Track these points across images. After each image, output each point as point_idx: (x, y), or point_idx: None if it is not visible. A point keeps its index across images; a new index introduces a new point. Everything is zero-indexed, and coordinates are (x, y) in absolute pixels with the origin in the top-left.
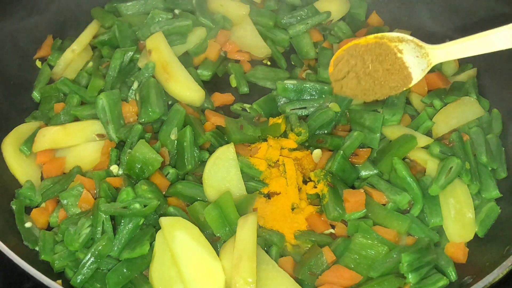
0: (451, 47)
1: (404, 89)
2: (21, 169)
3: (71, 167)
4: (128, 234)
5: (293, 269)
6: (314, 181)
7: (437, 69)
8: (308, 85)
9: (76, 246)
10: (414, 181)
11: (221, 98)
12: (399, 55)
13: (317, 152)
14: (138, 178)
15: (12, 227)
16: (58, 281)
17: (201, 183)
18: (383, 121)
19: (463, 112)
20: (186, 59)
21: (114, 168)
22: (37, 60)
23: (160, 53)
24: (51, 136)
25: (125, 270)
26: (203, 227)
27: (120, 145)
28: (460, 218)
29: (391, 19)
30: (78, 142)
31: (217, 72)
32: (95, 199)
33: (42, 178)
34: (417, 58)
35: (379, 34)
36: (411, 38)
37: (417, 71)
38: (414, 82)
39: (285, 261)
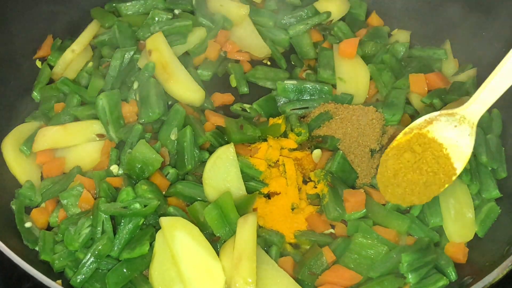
0: (480, 96)
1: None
2: (21, 169)
3: (71, 167)
4: (128, 234)
5: (293, 269)
6: (314, 181)
7: (437, 69)
8: (308, 85)
9: (76, 246)
10: None
11: (221, 98)
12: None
13: (317, 152)
14: (138, 178)
15: (12, 227)
16: (58, 281)
17: (201, 183)
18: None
19: None
20: (186, 59)
21: (114, 168)
22: (37, 60)
23: (160, 53)
24: (51, 136)
25: (125, 270)
26: (203, 227)
27: (120, 145)
28: (460, 218)
29: (391, 19)
30: (78, 142)
31: (217, 72)
32: (95, 199)
33: (42, 178)
34: (456, 129)
35: (407, 129)
36: (437, 113)
37: (464, 140)
38: (469, 151)
39: (285, 261)
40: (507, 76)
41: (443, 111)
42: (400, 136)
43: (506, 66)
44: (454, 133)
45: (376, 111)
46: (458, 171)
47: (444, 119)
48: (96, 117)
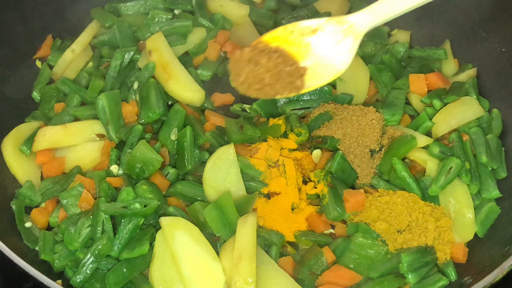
0: (376, 6)
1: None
2: (21, 169)
3: (71, 167)
4: (128, 234)
5: (293, 269)
6: (314, 182)
7: (437, 69)
8: None
9: (76, 245)
10: (414, 181)
11: (221, 98)
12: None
13: (316, 152)
14: (138, 178)
15: (12, 227)
16: (58, 281)
17: (201, 183)
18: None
19: (463, 112)
20: (186, 60)
21: (114, 168)
22: (37, 60)
23: (160, 53)
24: (51, 136)
25: (124, 270)
26: (203, 227)
27: (120, 145)
28: (460, 218)
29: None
30: (78, 142)
31: (217, 72)
32: (95, 199)
33: (42, 178)
34: (336, 46)
35: (290, 26)
36: (325, 19)
37: (341, 57)
38: (342, 68)
39: (285, 261)
40: None
41: (332, 17)
42: (279, 29)
43: None
44: (334, 50)
45: (376, 111)
46: (319, 84)
47: (330, 29)
48: (96, 117)
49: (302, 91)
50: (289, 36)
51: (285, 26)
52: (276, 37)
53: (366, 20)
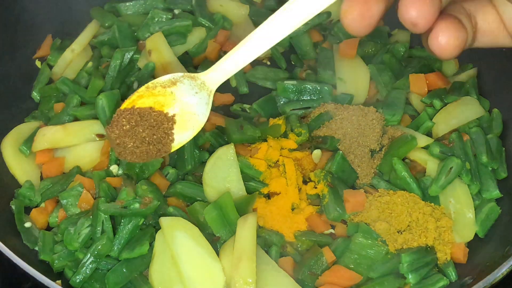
0: (219, 66)
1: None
2: (21, 169)
3: (71, 167)
4: (127, 234)
5: (293, 269)
6: (314, 182)
7: (437, 69)
8: (308, 86)
9: (75, 245)
10: (414, 182)
11: (221, 98)
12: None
13: (316, 152)
14: (138, 178)
15: (11, 227)
16: (57, 281)
17: (201, 183)
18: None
19: (463, 112)
20: (186, 60)
21: (114, 168)
22: (37, 60)
23: (160, 53)
24: (50, 136)
25: (124, 270)
26: (203, 227)
27: None
28: (460, 218)
29: (391, 19)
30: (78, 142)
31: None
32: (94, 199)
33: (41, 178)
34: (196, 95)
35: (150, 84)
36: (181, 74)
37: (201, 108)
38: (203, 120)
39: (285, 261)
40: (251, 51)
41: (187, 74)
42: (142, 89)
43: (251, 41)
44: (195, 100)
45: (376, 111)
46: (186, 139)
47: (187, 82)
48: (95, 117)
49: (172, 150)
50: (153, 91)
51: (146, 84)
52: (141, 95)
53: (214, 78)
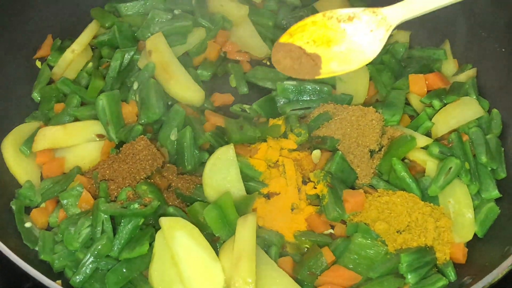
0: (407, 1)
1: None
2: (21, 169)
3: (71, 167)
4: (127, 234)
5: (293, 269)
6: (313, 182)
7: (436, 69)
8: (308, 86)
9: (75, 245)
10: (414, 182)
11: (221, 98)
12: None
13: (316, 153)
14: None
15: (12, 227)
16: (57, 281)
17: (201, 184)
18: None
19: (462, 112)
20: (186, 60)
21: None
22: (37, 60)
23: (160, 53)
24: (51, 136)
25: (124, 270)
26: (203, 228)
27: (120, 146)
28: (459, 218)
29: None
30: (78, 142)
31: (217, 72)
32: (94, 199)
33: (42, 178)
34: (370, 34)
35: (328, 13)
36: (362, 8)
37: (373, 45)
38: (372, 56)
39: (285, 261)
40: None
41: (368, 8)
42: (319, 15)
43: None
44: (366, 39)
45: (376, 111)
46: (346, 70)
47: (365, 18)
48: (96, 118)
49: (328, 75)
50: (327, 22)
51: (324, 12)
52: (315, 22)
53: (398, 13)
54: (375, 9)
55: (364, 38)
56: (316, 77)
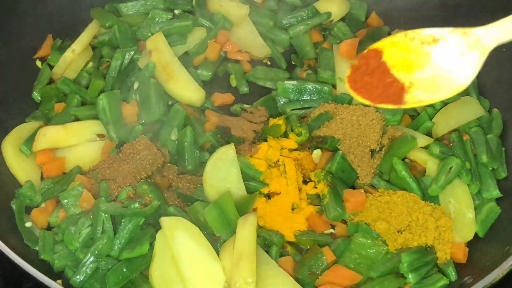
0: (505, 22)
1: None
2: (21, 169)
3: (71, 167)
4: (128, 234)
5: (293, 269)
6: (314, 181)
7: None
8: (308, 86)
9: (76, 245)
10: (414, 181)
11: (221, 98)
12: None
13: (317, 152)
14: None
15: (12, 227)
16: (58, 281)
17: (201, 184)
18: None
19: (463, 112)
20: (186, 60)
21: None
22: (37, 60)
23: (160, 53)
24: (51, 136)
25: (125, 270)
26: (203, 227)
27: (121, 145)
28: (460, 218)
29: (391, 19)
30: (78, 142)
31: (217, 72)
32: (95, 199)
33: (42, 178)
34: (460, 58)
35: (410, 33)
36: (449, 29)
37: (467, 70)
38: (465, 84)
39: (285, 261)
40: None
41: (457, 28)
42: (400, 35)
43: None
44: (456, 64)
45: (376, 111)
46: (435, 100)
47: (453, 41)
48: (96, 117)
49: (414, 105)
50: (409, 43)
51: (406, 32)
52: (395, 43)
53: (494, 34)
54: (466, 29)
55: (453, 62)
56: (402, 106)
